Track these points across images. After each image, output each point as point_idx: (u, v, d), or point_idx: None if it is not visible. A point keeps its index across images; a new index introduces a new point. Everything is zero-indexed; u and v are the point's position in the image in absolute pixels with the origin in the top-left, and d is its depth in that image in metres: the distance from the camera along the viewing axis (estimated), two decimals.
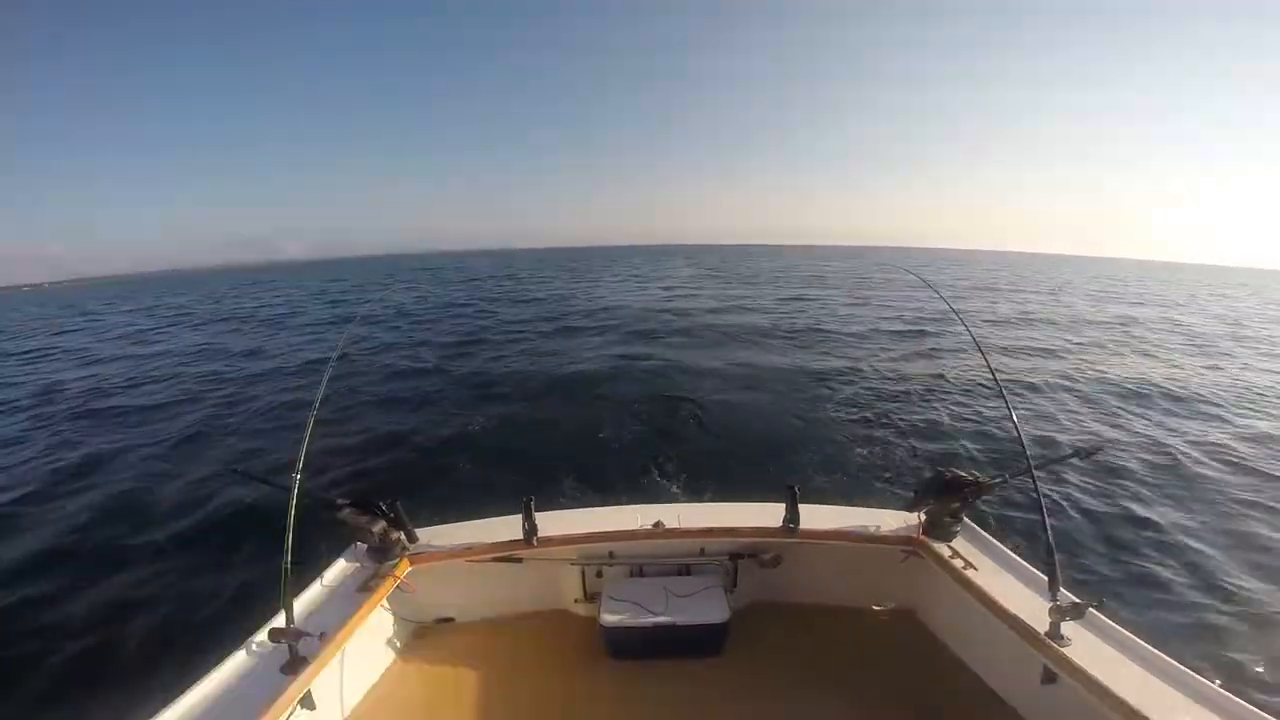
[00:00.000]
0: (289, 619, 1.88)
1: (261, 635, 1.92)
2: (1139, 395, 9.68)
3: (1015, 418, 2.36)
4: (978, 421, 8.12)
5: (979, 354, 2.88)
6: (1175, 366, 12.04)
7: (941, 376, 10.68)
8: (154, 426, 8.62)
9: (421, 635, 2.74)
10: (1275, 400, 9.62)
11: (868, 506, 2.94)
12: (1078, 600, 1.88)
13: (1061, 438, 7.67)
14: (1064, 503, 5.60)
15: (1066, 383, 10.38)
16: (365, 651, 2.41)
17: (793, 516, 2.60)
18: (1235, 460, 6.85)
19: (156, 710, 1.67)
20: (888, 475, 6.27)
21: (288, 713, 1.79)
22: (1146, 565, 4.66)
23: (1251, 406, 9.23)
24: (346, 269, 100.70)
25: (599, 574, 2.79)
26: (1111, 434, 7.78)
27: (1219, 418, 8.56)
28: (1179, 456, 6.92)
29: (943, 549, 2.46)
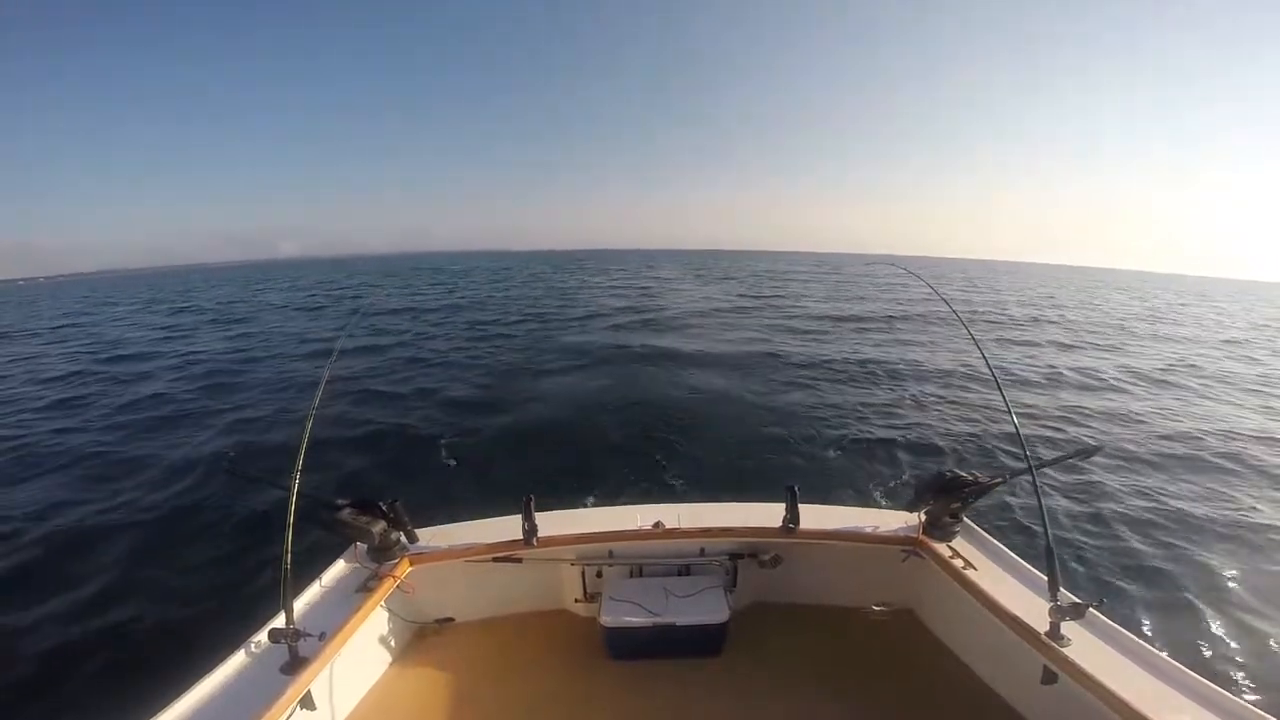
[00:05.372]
0: (289, 619, 1.87)
1: (261, 635, 1.91)
2: None
3: (1015, 418, 2.36)
4: (977, 421, 8.15)
5: (979, 355, 2.88)
6: None
7: (942, 376, 10.72)
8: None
9: (421, 635, 2.73)
10: None
11: (868, 506, 2.95)
12: (1078, 600, 1.88)
13: (1061, 438, 7.71)
14: (1064, 502, 5.62)
15: None
16: (365, 652, 2.40)
17: (793, 516, 2.60)
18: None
19: (157, 710, 1.67)
20: (886, 474, 6.28)
21: (288, 713, 1.78)
22: (1146, 565, 4.68)
23: None
24: (344, 268, 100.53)
25: (599, 574, 2.78)
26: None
27: None
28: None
29: (943, 549, 2.45)
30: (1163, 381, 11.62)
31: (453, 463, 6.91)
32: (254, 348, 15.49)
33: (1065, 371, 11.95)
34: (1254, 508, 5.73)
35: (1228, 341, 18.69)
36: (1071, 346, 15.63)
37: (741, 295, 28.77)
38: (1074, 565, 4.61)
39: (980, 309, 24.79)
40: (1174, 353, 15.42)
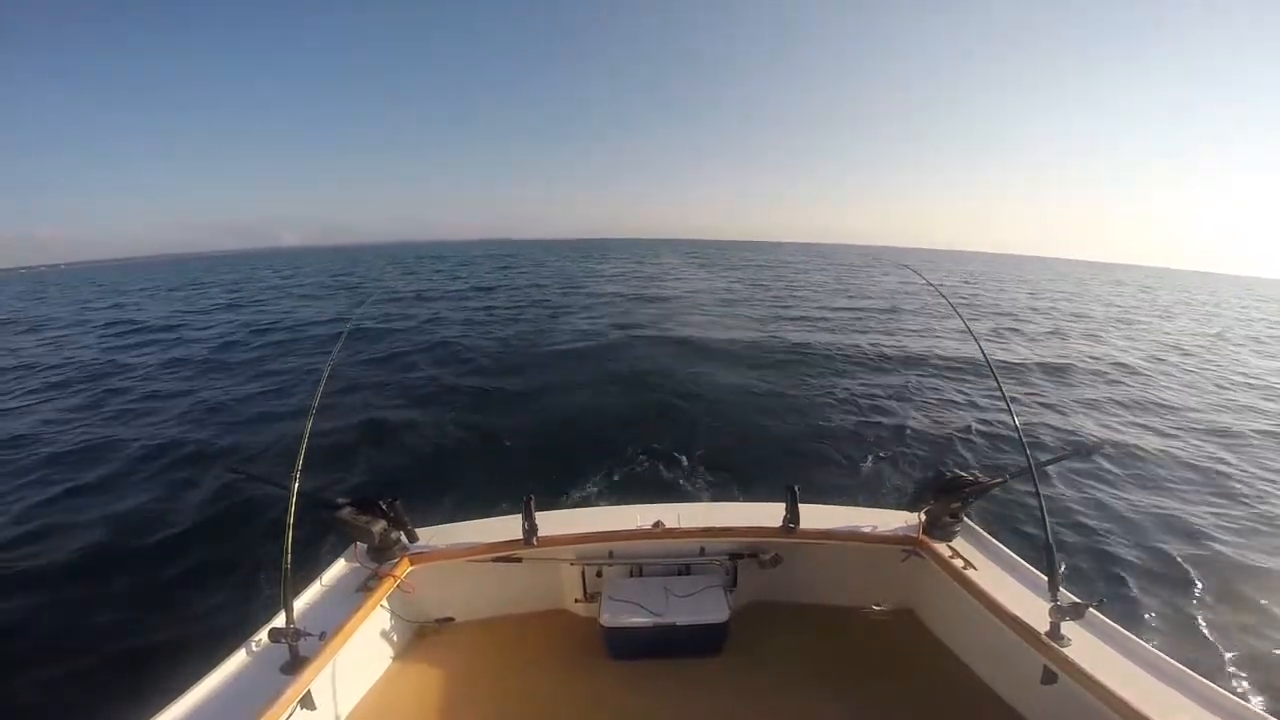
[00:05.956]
0: (289, 619, 1.87)
1: (261, 635, 1.92)
2: None
3: (1015, 417, 2.34)
4: (977, 420, 8.11)
5: (979, 354, 2.85)
6: None
7: (942, 377, 10.66)
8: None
9: (421, 635, 2.74)
10: None
11: (868, 506, 2.94)
12: (1078, 600, 1.88)
13: (1064, 435, 7.67)
14: (1064, 502, 5.59)
15: None
16: (365, 651, 2.41)
17: (793, 516, 2.59)
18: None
19: (157, 710, 1.68)
20: (886, 474, 6.27)
21: (288, 713, 1.78)
22: (1147, 564, 4.66)
23: None
24: (347, 256, 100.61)
25: (599, 574, 2.78)
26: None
27: None
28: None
29: (943, 549, 2.45)
30: (1165, 377, 11.54)
31: (460, 438, 7.00)
32: (261, 336, 15.53)
33: (1071, 367, 11.87)
34: (1257, 505, 5.69)
35: (1232, 336, 18.57)
36: (1071, 340, 15.54)
37: (743, 284, 28.81)
38: (1075, 564, 4.59)
39: (982, 304, 24.69)
40: (1177, 349, 15.30)
